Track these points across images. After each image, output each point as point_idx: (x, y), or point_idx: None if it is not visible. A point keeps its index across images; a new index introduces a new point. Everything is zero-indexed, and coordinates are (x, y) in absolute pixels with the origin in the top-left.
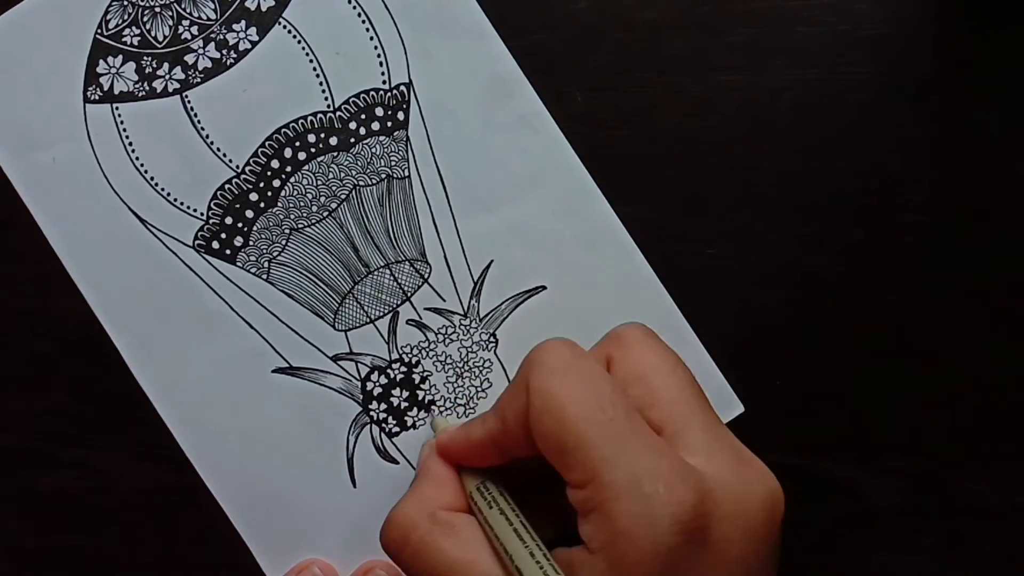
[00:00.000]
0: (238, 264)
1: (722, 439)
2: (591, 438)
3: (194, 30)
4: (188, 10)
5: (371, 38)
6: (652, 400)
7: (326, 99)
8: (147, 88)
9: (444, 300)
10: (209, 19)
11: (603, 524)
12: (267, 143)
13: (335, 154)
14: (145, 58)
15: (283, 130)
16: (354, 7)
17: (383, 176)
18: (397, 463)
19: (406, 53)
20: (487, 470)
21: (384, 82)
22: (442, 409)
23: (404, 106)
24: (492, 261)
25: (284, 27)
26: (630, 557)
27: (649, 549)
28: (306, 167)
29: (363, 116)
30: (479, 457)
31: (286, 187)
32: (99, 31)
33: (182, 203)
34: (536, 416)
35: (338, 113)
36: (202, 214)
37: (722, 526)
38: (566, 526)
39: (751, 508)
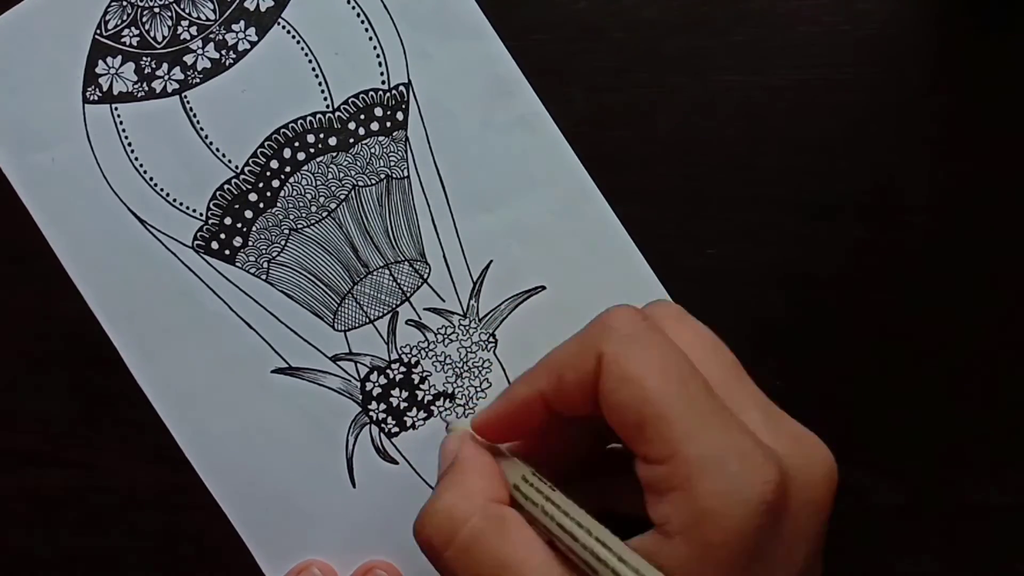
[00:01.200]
0: (237, 264)
1: (778, 416)
2: (675, 412)
3: (193, 30)
4: (187, 10)
5: (370, 38)
6: None
7: (325, 99)
8: (146, 88)
9: (443, 300)
10: (208, 19)
11: (685, 504)
12: (266, 143)
13: (334, 154)
14: (144, 58)
15: (282, 130)
16: (353, 7)
17: (382, 176)
18: (396, 463)
19: (405, 53)
20: (526, 463)
21: (383, 82)
22: (442, 410)
23: (403, 106)
24: (491, 261)
25: (283, 27)
26: (717, 539)
27: (737, 529)
28: (305, 167)
29: (362, 116)
30: (523, 418)
31: (285, 187)
32: (98, 31)
33: (181, 203)
34: (611, 385)
35: (337, 113)
36: (201, 214)
37: (795, 502)
38: (604, 513)
39: (816, 481)
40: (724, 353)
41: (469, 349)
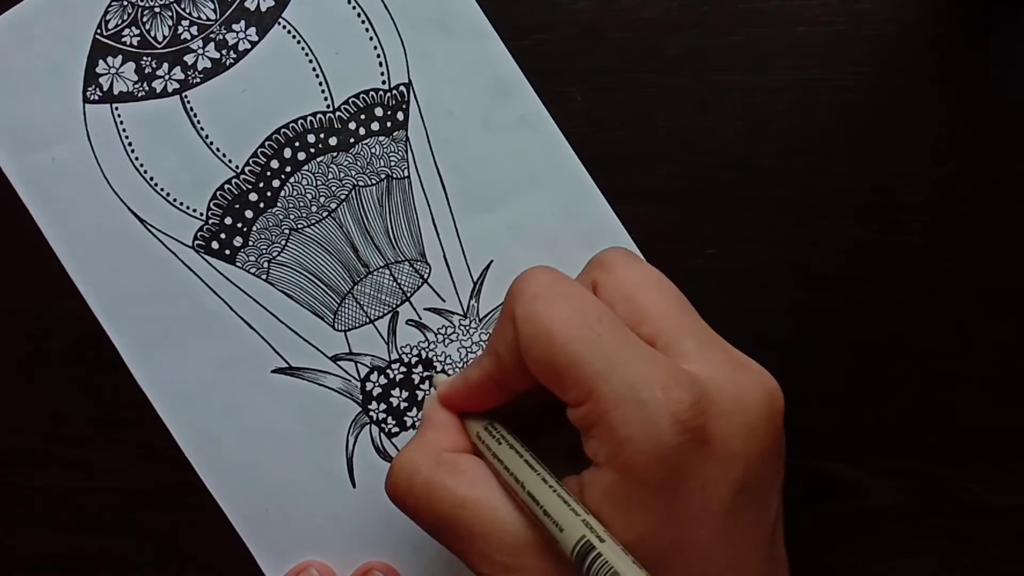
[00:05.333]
0: (238, 264)
1: (714, 345)
2: (582, 355)
3: (194, 30)
4: (188, 10)
5: (371, 38)
6: (640, 316)
7: (325, 99)
8: (147, 88)
9: (444, 300)
10: (209, 19)
11: (605, 436)
12: (267, 143)
13: (335, 154)
14: (145, 58)
15: (283, 130)
16: (354, 7)
17: (383, 176)
18: None
19: (406, 53)
20: (491, 413)
21: (384, 82)
22: None
23: (404, 106)
24: (492, 261)
25: (284, 27)
26: (635, 463)
27: (653, 452)
28: (306, 167)
29: (363, 116)
30: (481, 398)
31: (286, 187)
32: (99, 31)
33: (182, 203)
34: (526, 343)
35: (338, 113)
36: (201, 214)
37: (722, 425)
38: (570, 466)
39: (749, 406)
40: (668, 289)
41: (469, 349)
